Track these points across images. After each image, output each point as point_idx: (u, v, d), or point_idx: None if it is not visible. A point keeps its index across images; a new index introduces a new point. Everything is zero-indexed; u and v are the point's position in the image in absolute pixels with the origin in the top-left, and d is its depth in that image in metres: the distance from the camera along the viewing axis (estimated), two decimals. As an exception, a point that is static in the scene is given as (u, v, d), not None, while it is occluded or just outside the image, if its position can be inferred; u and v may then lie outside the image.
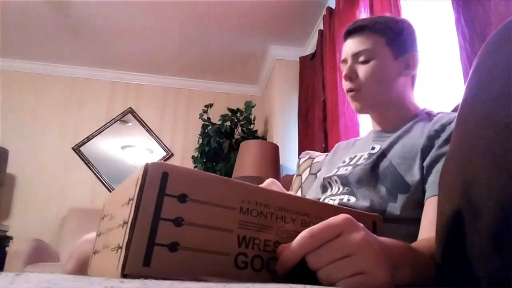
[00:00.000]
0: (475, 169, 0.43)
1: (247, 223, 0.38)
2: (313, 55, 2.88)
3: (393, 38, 0.87)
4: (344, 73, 0.89)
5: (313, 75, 2.78)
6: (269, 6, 2.75)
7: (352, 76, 0.87)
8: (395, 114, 0.89)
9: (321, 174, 1.05)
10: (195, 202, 0.36)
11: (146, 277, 0.31)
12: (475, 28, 1.09)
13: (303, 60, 3.03)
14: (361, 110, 0.90)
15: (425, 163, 0.74)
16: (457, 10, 1.18)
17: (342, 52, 0.93)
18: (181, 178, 0.36)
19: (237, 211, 0.38)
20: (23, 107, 3.60)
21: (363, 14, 2.01)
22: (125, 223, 0.34)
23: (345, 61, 0.90)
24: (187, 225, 0.35)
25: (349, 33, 0.90)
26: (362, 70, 0.86)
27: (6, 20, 3.02)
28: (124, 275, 0.31)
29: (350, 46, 0.89)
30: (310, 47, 3.09)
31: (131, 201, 0.34)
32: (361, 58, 0.86)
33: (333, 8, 2.47)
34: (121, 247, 0.33)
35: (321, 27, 2.71)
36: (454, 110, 0.86)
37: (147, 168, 0.34)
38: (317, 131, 2.50)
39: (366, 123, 1.85)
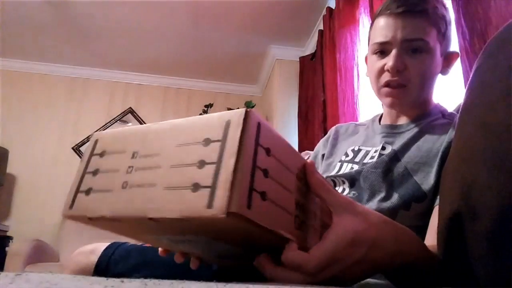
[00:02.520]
0: (475, 172, 0.43)
1: (301, 189, 0.40)
2: (313, 55, 2.88)
3: (444, 31, 0.76)
4: (391, 63, 0.75)
5: (313, 75, 2.78)
6: (269, 6, 2.75)
7: (400, 69, 0.75)
8: (414, 110, 0.81)
9: (318, 152, 0.97)
10: (274, 158, 0.36)
11: (145, 277, 0.31)
12: (475, 28, 1.09)
13: (303, 60, 3.03)
14: (396, 107, 0.81)
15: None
16: (457, 10, 1.18)
17: (377, 30, 0.79)
18: (269, 132, 0.36)
19: (295, 176, 0.40)
20: (23, 107, 3.60)
21: (363, 14, 2.01)
22: (211, 163, 0.33)
23: (385, 44, 0.77)
24: (270, 178, 0.35)
25: (401, 13, 0.75)
26: (412, 63, 0.75)
27: (6, 20, 3.02)
28: (228, 213, 0.30)
29: (401, 29, 0.74)
30: (310, 47, 3.09)
31: (215, 142, 0.33)
32: (412, 47, 0.74)
33: (333, 8, 2.47)
34: (209, 187, 0.32)
35: (321, 27, 2.71)
36: (456, 111, 0.85)
37: (248, 114, 0.34)
38: (317, 131, 2.50)
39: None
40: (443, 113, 0.82)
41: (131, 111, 3.79)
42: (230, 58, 3.48)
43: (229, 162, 0.32)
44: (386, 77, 0.77)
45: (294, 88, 3.11)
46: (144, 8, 2.83)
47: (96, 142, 0.43)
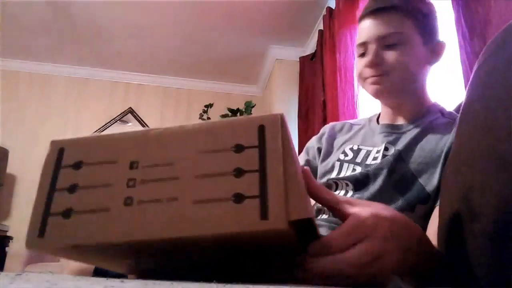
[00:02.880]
0: (475, 173, 0.43)
1: None
2: (313, 55, 2.88)
3: (422, 22, 0.79)
4: (368, 58, 0.79)
5: (313, 75, 2.78)
6: (269, 6, 2.75)
7: (378, 62, 0.78)
8: (411, 107, 0.82)
9: (312, 147, 0.96)
10: (297, 160, 0.36)
11: (145, 278, 0.31)
12: (475, 28, 1.09)
13: (303, 60, 3.03)
14: (381, 95, 0.82)
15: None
16: (457, 10, 1.18)
17: (359, 34, 0.83)
18: (290, 136, 0.36)
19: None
20: (23, 107, 3.60)
21: (363, 14, 2.01)
22: (253, 171, 0.31)
23: (364, 44, 0.81)
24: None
25: (372, 12, 0.80)
26: (390, 55, 0.77)
27: (6, 20, 3.02)
28: (290, 222, 0.29)
29: (374, 28, 0.79)
30: (310, 47, 3.09)
31: (251, 149, 0.32)
32: (388, 42, 0.77)
33: (333, 8, 2.47)
34: (256, 196, 0.30)
35: (321, 27, 2.71)
36: (456, 111, 0.85)
37: (283, 119, 0.33)
38: (317, 131, 2.49)
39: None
40: (442, 112, 0.81)
41: (131, 111, 3.78)
42: (230, 58, 3.48)
43: (277, 169, 0.31)
44: (367, 73, 0.80)
45: (294, 88, 3.11)
46: (144, 8, 2.83)
47: (61, 151, 0.36)
